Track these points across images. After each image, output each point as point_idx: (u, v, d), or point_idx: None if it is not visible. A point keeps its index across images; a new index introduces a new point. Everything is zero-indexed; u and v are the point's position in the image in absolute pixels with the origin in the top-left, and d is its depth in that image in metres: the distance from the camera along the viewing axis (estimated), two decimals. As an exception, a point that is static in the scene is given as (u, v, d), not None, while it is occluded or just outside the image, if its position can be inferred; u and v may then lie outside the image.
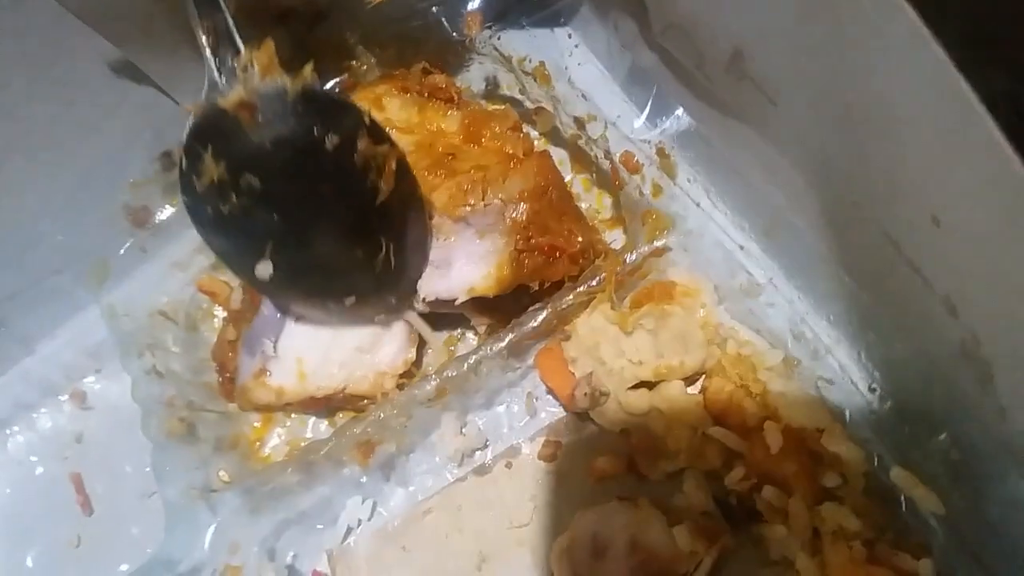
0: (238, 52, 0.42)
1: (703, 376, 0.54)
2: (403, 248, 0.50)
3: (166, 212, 0.59)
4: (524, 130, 0.57)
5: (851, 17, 0.34)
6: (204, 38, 0.43)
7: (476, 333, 0.59)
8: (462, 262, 0.53)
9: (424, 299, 0.54)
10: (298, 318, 0.54)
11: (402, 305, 0.54)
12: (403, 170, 0.48)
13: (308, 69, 0.43)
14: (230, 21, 0.44)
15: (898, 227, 0.40)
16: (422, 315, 0.56)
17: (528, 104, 0.60)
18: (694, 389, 0.54)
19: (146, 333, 0.58)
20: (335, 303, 0.51)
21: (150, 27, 0.50)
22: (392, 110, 0.52)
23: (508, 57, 0.59)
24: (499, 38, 0.60)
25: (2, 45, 0.49)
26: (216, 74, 0.43)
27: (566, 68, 0.59)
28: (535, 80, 0.59)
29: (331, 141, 0.44)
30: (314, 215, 0.46)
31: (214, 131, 0.42)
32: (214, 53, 0.42)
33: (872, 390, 0.50)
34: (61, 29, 0.49)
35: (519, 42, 0.59)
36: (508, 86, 0.61)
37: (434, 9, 0.59)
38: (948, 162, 0.33)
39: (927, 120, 0.33)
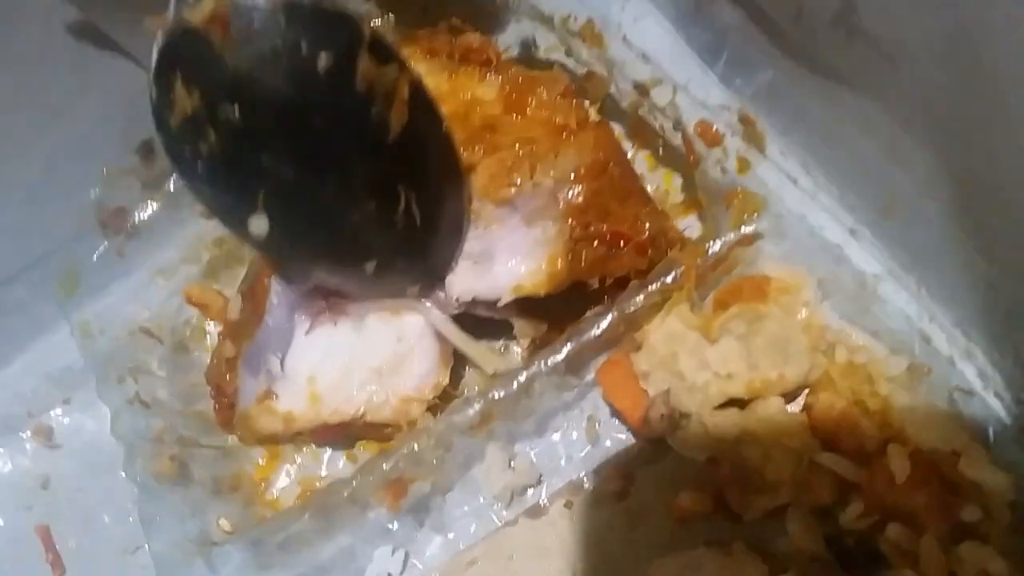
0: None
1: (807, 391, 0.50)
2: (429, 199, 0.46)
3: (147, 211, 0.55)
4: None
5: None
6: None
7: (521, 346, 0.55)
8: (506, 255, 0.49)
9: (459, 300, 0.49)
10: (311, 320, 0.50)
11: (438, 273, 0.50)
12: (420, 100, 0.44)
13: None
14: None
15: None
16: (456, 320, 0.51)
17: (576, 69, 0.55)
18: (796, 407, 0.49)
19: (126, 355, 0.55)
20: (352, 269, 0.47)
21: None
22: (418, 77, 0.49)
23: (549, 16, 0.55)
24: (536, -8, 0.55)
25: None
26: None
27: (620, 25, 0.54)
28: (583, 41, 0.54)
29: (323, 61, 0.40)
30: (310, 157, 0.43)
31: (184, 54, 0.39)
32: None
33: (1020, 402, 0.45)
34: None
35: (561, -4, 0.56)
36: (550, 48, 0.56)
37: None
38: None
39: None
